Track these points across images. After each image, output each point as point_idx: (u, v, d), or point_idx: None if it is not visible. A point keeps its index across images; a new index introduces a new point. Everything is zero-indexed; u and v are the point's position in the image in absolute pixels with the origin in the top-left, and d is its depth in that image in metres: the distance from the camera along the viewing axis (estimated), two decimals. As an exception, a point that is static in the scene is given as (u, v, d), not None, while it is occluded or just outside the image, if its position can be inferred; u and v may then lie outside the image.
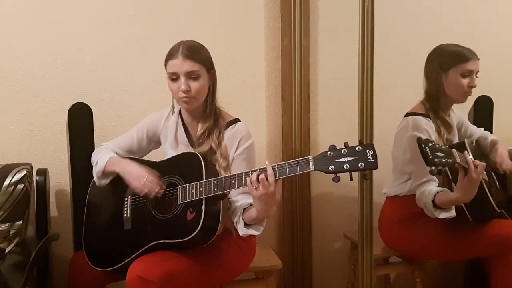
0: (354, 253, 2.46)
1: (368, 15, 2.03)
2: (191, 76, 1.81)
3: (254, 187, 1.63)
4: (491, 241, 2.03)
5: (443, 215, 1.94)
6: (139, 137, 2.03)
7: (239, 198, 1.83)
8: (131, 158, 2.00)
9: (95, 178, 1.99)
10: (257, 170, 1.65)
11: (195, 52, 1.83)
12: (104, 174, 1.96)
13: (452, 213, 1.95)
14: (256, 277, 2.19)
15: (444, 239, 2.11)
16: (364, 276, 2.19)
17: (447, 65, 2.14)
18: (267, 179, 1.61)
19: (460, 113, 2.35)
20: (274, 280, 2.19)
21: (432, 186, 2.01)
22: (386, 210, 2.32)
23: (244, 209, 1.79)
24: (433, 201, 1.95)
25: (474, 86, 2.14)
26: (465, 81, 2.12)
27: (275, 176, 1.62)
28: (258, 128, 2.59)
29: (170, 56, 1.83)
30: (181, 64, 1.80)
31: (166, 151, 2.00)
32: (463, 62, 2.12)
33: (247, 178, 1.65)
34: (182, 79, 1.80)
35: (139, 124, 2.05)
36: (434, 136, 2.10)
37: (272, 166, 1.63)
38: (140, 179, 1.83)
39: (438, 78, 2.17)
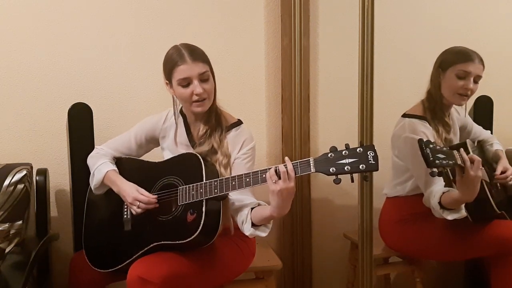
0: (354, 253, 2.47)
1: (368, 15, 2.03)
2: (203, 78, 1.80)
3: (273, 181, 1.60)
4: (491, 241, 2.03)
5: (451, 216, 1.92)
6: (137, 140, 2.02)
7: (245, 197, 1.81)
8: (130, 160, 2.01)
9: (92, 187, 1.98)
10: (257, 171, 1.64)
11: (200, 53, 1.82)
12: (102, 186, 1.96)
13: (462, 213, 1.92)
14: (256, 277, 2.19)
15: (445, 239, 2.11)
16: (364, 276, 2.19)
17: (446, 64, 2.13)
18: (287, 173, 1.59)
19: (465, 115, 2.34)
20: (274, 280, 2.19)
21: (439, 187, 1.99)
22: (387, 210, 2.32)
23: (251, 208, 1.77)
24: (439, 203, 1.94)
25: (470, 89, 2.09)
26: (460, 82, 2.09)
27: (279, 178, 1.60)
28: (258, 128, 2.59)
29: (174, 62, 1.80)
30: (192, 68, 1.78)
31: (165, 153, 1.99)
32: (460, 62, 2.09)
33: (247, 179, 1.65)
34: (195, 82, 1.78)
35: (137, 128, 2.03)
36: (432, 138, 2.09)
37: (271, 168, 1.62)
38: (134, 202, 1.82)
39: (436, 77, 2.16)
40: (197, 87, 1.78)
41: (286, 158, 1.63)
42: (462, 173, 1.82)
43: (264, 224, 1.76)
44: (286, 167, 1.59)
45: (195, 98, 1.80)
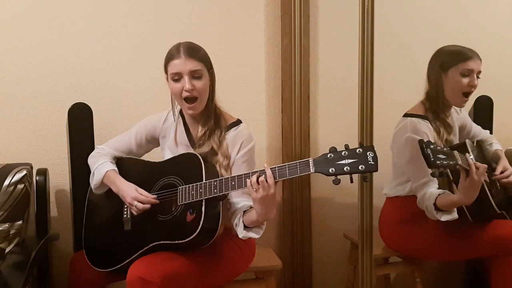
0: (354, 253, 2.46)
1: (368, 15, 2.03)
2: (195, 75, 1.82)
3: (254, 189, 1.63)
4: (492, 241, 2.03)
5: (445, 217, 1.94)
6: (138, 140, 2.02)
7: (239, 200, 1.83)
8: (130, 159, 2.01)
9: (92, 187, 1.99)
10: (256, 172, 1.65)
11: (196, 51, 1.84)
12: (101, 186, 1.96)
13: (454, 215, 1.94)
14: (256, 277, 2.19)
15: (445, 239, 2.11)
16: (364, 276, 2.19)
17: (447, 64, 2.13)
18: (266, 181, 1.61)
19: (464, 114, 2.35)
20: (274, 280, 2.19)
21: (433, 189, 2.01)
22: (387, 210, 2.32)
23: (244, 211, 1.78)
24: (434, 204, 1.95)
25: (475, 86, 2.11)
26: (465, 80, 2.10)
27: (275, 178, 1.62)
28: (258, 128, 2.59)
29: (170, 57, 1.83)
30: (184, 63, 1.80)
31: (165, 153, 2.00)
32: (463, 61, 2.10)
33: (247, 179, 1.65)
34: (186, 78, 1.80)
35: (137, 127, 2.04)
36: (433, 138, 2.10)
37: (271, 168, 1.63)
38: (133, 202, 1.82)
39: (438, 79, 2.16)
40: (186, 83, 1.80)
41: (265, 165, 1.65)
42: (466, 176, 1.83)
43: (257, 226, 1.76)
44: (265, 174, 1.61)
45: (184, 94, 1.82)
